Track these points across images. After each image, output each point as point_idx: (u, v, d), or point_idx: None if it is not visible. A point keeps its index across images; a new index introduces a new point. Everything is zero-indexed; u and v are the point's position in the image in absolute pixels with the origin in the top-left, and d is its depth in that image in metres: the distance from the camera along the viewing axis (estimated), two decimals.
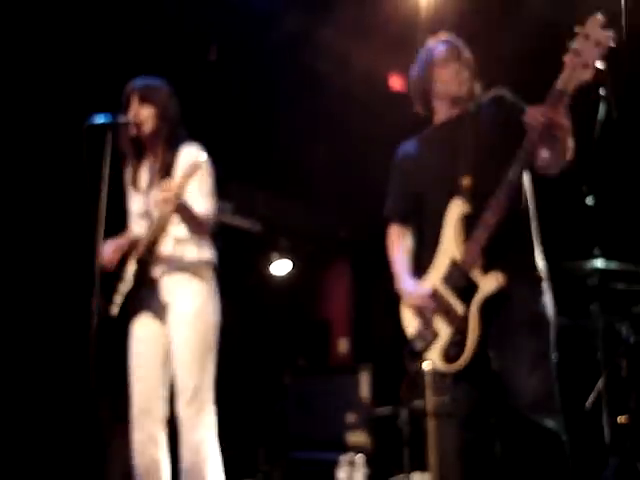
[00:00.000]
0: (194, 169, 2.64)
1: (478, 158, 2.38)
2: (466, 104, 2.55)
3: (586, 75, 2.14)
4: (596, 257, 3.69)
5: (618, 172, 4.09)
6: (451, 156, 2.45)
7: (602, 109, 3.30)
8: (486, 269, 2.32)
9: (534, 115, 2.22)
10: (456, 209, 2.40)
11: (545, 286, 2.41)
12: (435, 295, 2.43)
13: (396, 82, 4.85)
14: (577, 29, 2.17)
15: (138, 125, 2.93)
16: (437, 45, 2.61)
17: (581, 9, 2.31)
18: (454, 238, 2.40)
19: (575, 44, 2.16)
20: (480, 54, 2.65)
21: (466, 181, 2.38)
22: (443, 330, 2.41)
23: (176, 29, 4.21)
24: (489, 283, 2.29)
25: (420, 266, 2.58)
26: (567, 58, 2.17)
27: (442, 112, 2.61)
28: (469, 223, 2.37)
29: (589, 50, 2.13)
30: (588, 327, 3.72)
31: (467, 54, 2.60)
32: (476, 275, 2.32)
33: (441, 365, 2.40)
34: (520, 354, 2.27)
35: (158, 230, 2.87)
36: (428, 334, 2.45)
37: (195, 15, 4.15)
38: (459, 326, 2.34)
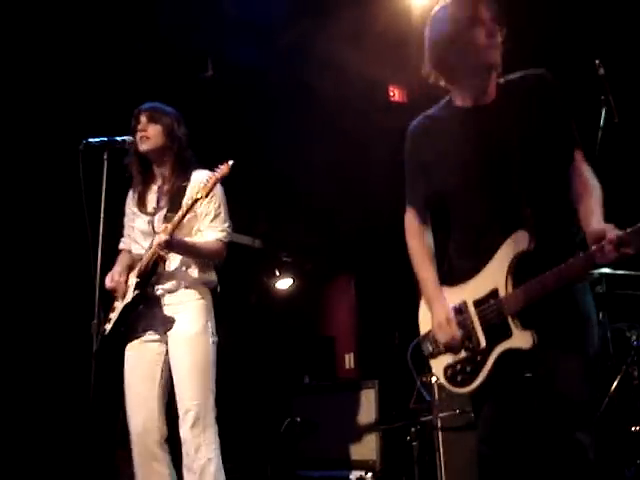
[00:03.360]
0: None
1: (531, 173, 2.11)
2: (497, 77, 2.17)
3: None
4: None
5: (621, 176, 4.06)
6: (488, 155, 2.14)
7: (603, 114, 3.28)
8: (524, 317, 2.10)
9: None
10: (519, 244, 2.09)
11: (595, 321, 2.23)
12: (462, 311, 2.24)
13: (395, 93, 4.84)
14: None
15: (145, 140, 2.93)
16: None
17: None
18: (506, 272, 2.13)
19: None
20: None
21: (527, 212, 2.09)
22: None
23: (170, 47, 4.21)
24: (523, 341, 2.08)
25: (447, 271, 2.34)
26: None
27: (469, 87, 2.19)
28: (526, 257, 2.11)
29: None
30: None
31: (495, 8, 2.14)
32: (513, 322, 2.11)
33: (444, 381, 2.29)
34: (567, 371, 2.07)
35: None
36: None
37: (190, 32, 4.15)
38: (475, 358, 2.19)
